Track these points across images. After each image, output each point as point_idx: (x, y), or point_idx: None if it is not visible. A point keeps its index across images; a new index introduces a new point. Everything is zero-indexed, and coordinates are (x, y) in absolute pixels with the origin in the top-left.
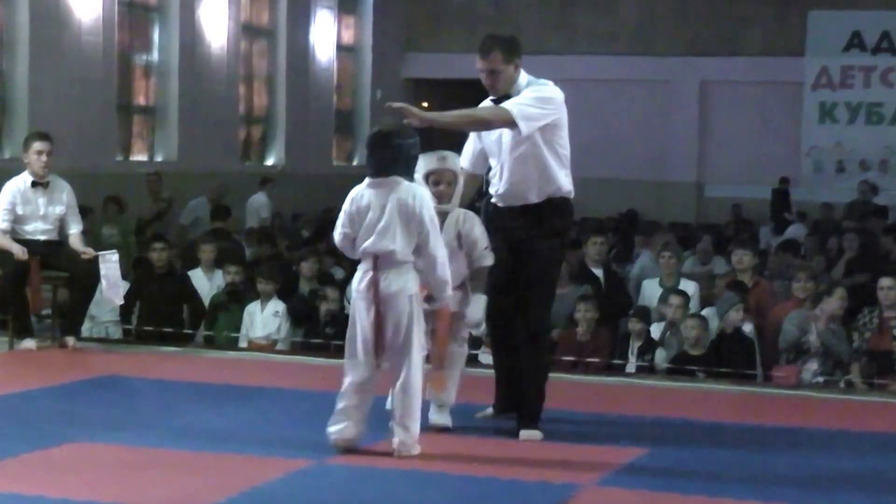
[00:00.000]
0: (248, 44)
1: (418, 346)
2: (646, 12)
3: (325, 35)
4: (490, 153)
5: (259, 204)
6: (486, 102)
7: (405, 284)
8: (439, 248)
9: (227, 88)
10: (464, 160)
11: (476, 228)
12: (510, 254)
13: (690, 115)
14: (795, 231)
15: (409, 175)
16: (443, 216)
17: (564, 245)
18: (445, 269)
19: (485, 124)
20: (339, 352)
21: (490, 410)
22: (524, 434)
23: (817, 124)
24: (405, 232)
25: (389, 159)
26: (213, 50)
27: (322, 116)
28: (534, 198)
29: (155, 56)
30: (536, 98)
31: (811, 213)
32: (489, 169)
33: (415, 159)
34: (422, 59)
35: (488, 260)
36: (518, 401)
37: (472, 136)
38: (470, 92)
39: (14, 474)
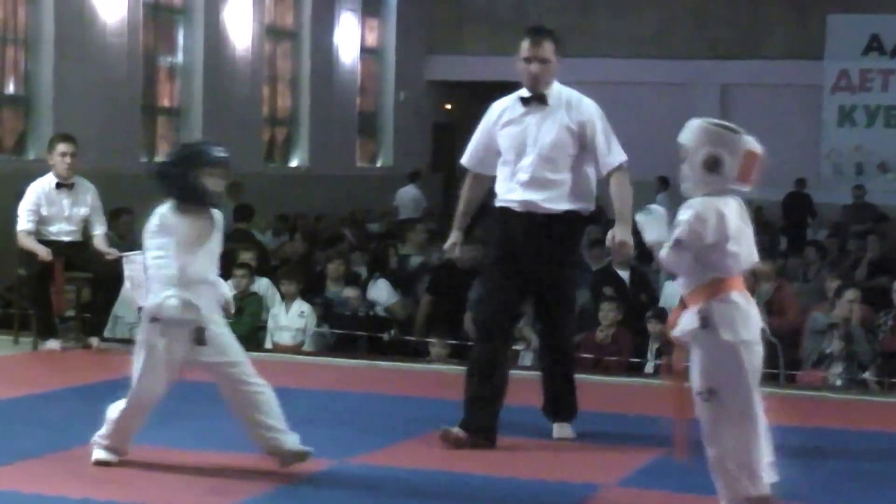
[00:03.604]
0: (273, 45)
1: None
2: (666, 16)
3: (348, 37)
4: (507, 150)
5: (409, 197)
6: (510, 102)
7: None
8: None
9: (251, 90)
10: (466, 158)
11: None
12: (523, 263)
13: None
14: None
15: (173, 193)
16: None
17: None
18: (151, 275)
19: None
20: (368, 352)
21: (457, 429)
22: (561, 429)
23: (836, 127)
24: None
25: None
26: (237, 51)
27: (345, 118)
28: (558, 208)
29: (179, 57)
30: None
31: (830, 215)
32: None
33: (173, 178)
34: (444, 62)
35: None
36: (558, 394)
37: (480, 128)
38: (492, 94)
39: (37, 474)
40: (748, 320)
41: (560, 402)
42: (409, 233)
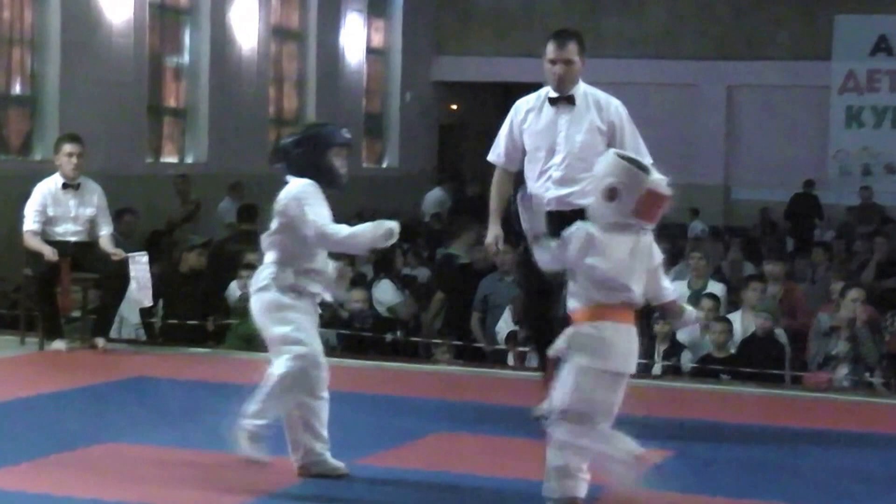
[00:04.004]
0: (279, 46)
1: (275, 342)
2: (673, 16)
3: (354, 38)
4: (536, 149)
5: (434, 200)
6: (535, 101)
7: (255, 282)
8: (312, 225)
9: (257, 91)
10: (495, 155)
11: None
12: None
13: (717, 119)
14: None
15: (302, 172)
16: None
17: None
18: (335, 238)
19: None
20: (373, 353)
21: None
22: None
23: (844, 128)
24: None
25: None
26: (243, 52)
27: (351, 119)
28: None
29: (185, 58)
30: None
31: (837, 216)
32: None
33: (301, 156)
34: (451, 63)
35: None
36: None
37: (507, 126)
38: (498, 95)
39: (44, 475)
40: (610, 352)
41: None
42: (464, 232)
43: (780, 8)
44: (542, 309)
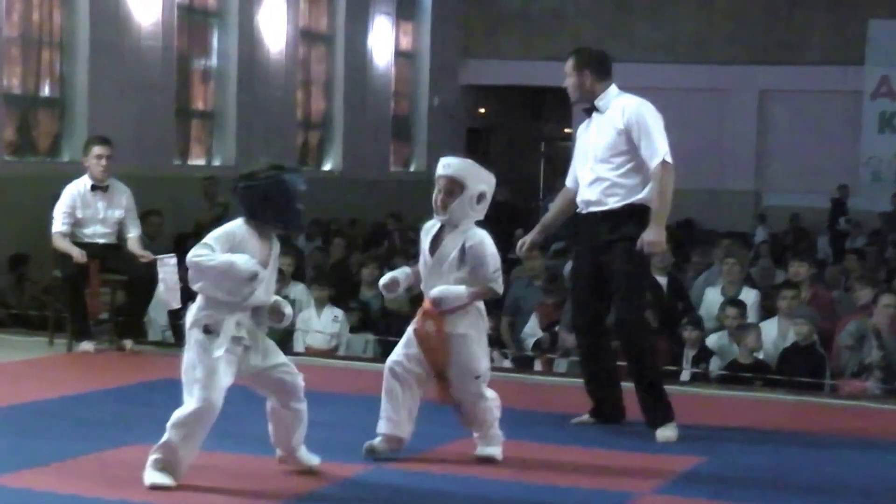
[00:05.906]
0: (307, 49)
1: None
2: (704, 20)
3: (383, 41)
4: (578, 155)
5: None
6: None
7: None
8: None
9: (285, 93)
10: (570, 180)
11: (487, 248)
12: (593, 260)
13: (748, 124)
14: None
15: (255, 216)
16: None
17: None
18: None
19: (670, 191)
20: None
21: (586, 417)
22: (659, 434)
23: (876, 134)
24: None
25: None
26: (271, 55)
27: (379, 122)
28: (616, 203)
29: (214, 61)
30: (661, 127)
31: (870, 222)
32: None
33: (266, 204)
34: (479, 66)
35: (498, 286)
36: (639, 403)
37: (576, 154)
38: (526, 99)
39: (72, 476)
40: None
41: (645, 406)
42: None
43: (812, 12)
44: (592, 319)
